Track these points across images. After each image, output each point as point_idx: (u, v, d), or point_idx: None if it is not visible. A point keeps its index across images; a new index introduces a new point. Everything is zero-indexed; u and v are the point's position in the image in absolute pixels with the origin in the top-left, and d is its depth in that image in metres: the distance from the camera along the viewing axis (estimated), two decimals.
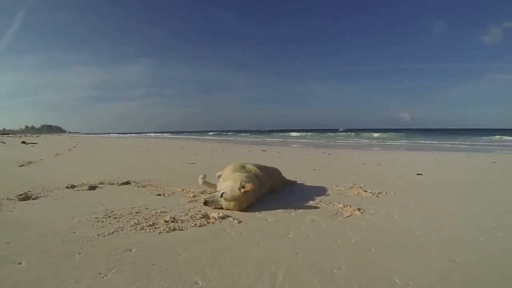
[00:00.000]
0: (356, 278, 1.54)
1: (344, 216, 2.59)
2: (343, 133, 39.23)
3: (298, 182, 4.25)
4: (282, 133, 43.96)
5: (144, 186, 3.81)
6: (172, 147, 14.47)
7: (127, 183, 4.00)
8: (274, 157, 8.77)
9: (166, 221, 2.31)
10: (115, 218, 2.42)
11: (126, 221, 2.34)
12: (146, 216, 2.45)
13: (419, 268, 1.67)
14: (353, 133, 37.40)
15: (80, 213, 2.55)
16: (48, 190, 3.46)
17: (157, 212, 2.58)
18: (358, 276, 1.56)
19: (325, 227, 2.32)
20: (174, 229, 2.18)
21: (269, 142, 20.95)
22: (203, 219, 2.41)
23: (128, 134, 64.13)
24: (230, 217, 2.50)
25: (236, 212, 2.66)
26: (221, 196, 2.70)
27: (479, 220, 2.57)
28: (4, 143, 15.36)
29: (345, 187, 3.91)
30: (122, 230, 2.15)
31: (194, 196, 3.23)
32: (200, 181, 3.47)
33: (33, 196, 3.14)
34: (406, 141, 22.52)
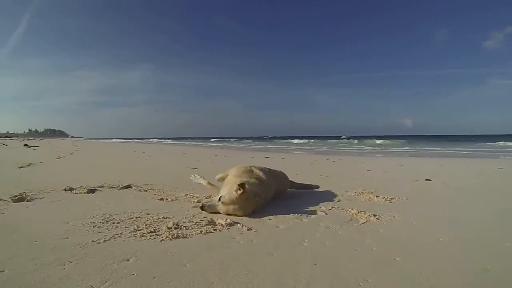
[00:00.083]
0: None
1: (360, 222, 2.44)
2: (346, 140, 39.05)
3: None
4: (285, 140, 43.77)
5: (146, 191, 3.62)
6: (174, 153, 14.30)
7: (128, 187, 3.81)
8: (279, 163, 8.55)
9: (169, 228, 2.11)
10: (113, 223, 2.22)
11: (125, 227, 2.13)
12: (147, 222, 2.25)
13: (451, 277, 1.53)
14: (356, 140, 37.16)
15: (76, 217, 2.36)
16: (44, 192, 3.28)
17: (159, 218, 2.38)
18: None
19: (342, 235, 2.16)
20: (178, 237, 1.97)
21: (272, 149, 20.73)
22: (209, 226, 2.20)
23: (131, 140, 64.22)
24: (238, 224, 2.29)
25: (245, 219, 2.46)
26: (219, 200, 2.54)
27: (501, 225, 2.47)
28: (6, 145, 15.30)
29: (355, 192, 3.74)
30: (120, 236, 1.94)
31: (198, 201, 3.02)
32: (203, 182, 3.55)
33: (28, 198, 2.96)
34: (409, 147, 22.34)
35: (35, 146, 15.25)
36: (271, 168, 3.51)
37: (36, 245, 1.76)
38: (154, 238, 1.94)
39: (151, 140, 61.67)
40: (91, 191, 3.46)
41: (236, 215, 2.50)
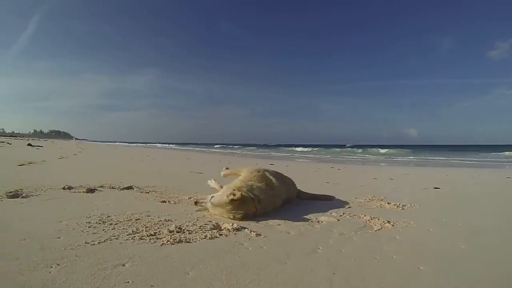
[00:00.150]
0: None
1: (374, 229, 2.32)
2: (350, 149, 38.67)
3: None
4: (288, 148, 43.39)
5: (148, 192, 3.45)
6: (179, 157, 14.16)
7: (130, 188, 3.65)
8: (283, 170, 8.26)
9: (171, 231, 1.93)
10: (111, 224, 2.05)
11: (123, 229, 1.96)
12: (147, 224, 2.08)
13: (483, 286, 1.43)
14: (360, 149, 36.75)
15: (71, 216, 2.19)
16: (41, 190, 3.14)
17: (160, 220, 2.20)
18: None
19: (357, 242, 2.00)
20: (180, 241, 1.79)
21: (276, 157, 20.51)
22: (215, 230, 2.01)
23: (135, 144, 64.33)
24: (246, 229, 2.11)
25: (252, 224, 2.28)
26: (210, 199, 2.48)
27: None
28: (10, 144, 15.29)
29: (365, 199, 3.57)
30: (116, 238, 1.76)
31: (195, 198, 2.85)
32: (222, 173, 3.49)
33: (23, 195, 2.81)
34: (414, 157, 22.11)
35: (39, 146, 15.22)
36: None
37: (23, 244, 1.59)
38: (154, 241, 1.76)
39: (155, 144, 61.68)
40: (91, 190, 3.30)
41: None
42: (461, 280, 1.47)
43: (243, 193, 2.39)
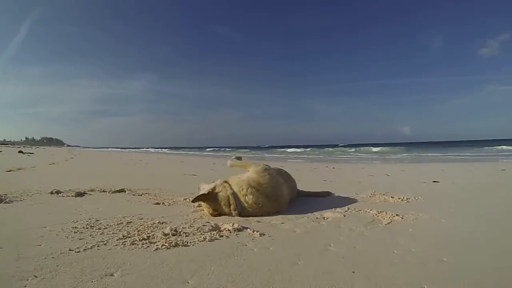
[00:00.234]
0: None
1: (384, 223, 2.20)
2: (343, 148, 38.62)
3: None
4: (281, 149, 43.15)
5: (141, 195, 3.26)
6: (172, 161, 13.91)
7: (122, 191, 3.45)
8: None
9: (166, 234, 1.75)
10: (99, 228, 1.86)
11: (113, 233, 1.78)
12: (140, 228, 1.89)
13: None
14: (353, 148, 36.65)
15: (56, 221, 2.00)
16: (27, 195, 2.94)
17: (154, 223, 2.02)
18: None
19: (370, 237, 1.88)
20: (177, 245, 1.61)
21: (269, 158, 20.35)
22: (214, 232, 1.84)
23: (128, 149, 63.55)
24: (248, 229, 1.94)
25: (254, 223, 2.13)
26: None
27: None
28: (0, 151, 14.88)
29: (367, 195, 3.44)
30: (105, 244, 1.58)
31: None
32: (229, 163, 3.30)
33: (7, 200, 2.62)
34: (408, 154, 22.13)
35: (30, 153, 14.83)
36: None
37: None
38: (148, 246, 1.58)
39: (148, 149, 61.02)
40: (80, 194, 3.10)
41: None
42: (487, 268, 1.39)
43: (210, 191, 2.41)
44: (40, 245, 1.53)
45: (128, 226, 1.93)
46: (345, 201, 3.02)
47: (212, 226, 1.95)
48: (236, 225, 1.95)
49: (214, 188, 2.46)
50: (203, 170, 7.88)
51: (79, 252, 1.46)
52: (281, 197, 2.57)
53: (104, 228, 1.87)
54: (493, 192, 3.79)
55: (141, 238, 1.68)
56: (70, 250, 1.47)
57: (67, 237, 1.68)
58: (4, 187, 3.22)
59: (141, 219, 2.14)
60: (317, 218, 2.32)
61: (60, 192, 3.12)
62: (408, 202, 3.00)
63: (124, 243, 1.61)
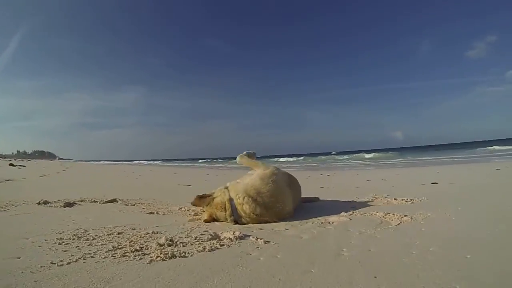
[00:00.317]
0: None
1: (393, 224, 2.10)
2: (336, 156, 38.52)
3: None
4: (274, 159, 42.86)
5: (134, 205, 3.10)
6: (165, 172, 13.67)
7: (114, 201, 3.28)
8: None
9: (161, 245, 1.59)
10: (87, 239, 1.70)
11: (102, 244, 1.61)
12: (132, 238, 1.73)
13: None
14: (346, 155, 36.50)
15: (41, 232, 1.83)
16: (13, 205, 2.77)
17: (147, 233, 1.86)
18: None
19: (382, 239, 1.77)
20: (173, 256, 1.45)
21: None
22: (214, 241, 1.69)
23: (120, 162, 62.74)
24: (250, 237, 1.79)
25: (256, 230, 1.99)
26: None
27: None
28: None
29: (368, 198, 3.33)
30: (92, 257, 1.41)
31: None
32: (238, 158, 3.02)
33: None
34: (401, 159, 22.12)
35: (21, 165, 14.48)
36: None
37: None
38: (141, 258, 1.42)
39: (140, 162, 60.33)
40: (69, 204, 2.92)
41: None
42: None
43: (208, 194, 2.38)
44: (18, 258, 1.37)
45: (119, 237, 1.77)
46: (348, 205, 2.90)
47: (211, 235, 1.80)
48: (237, 233, 1.80)
49: (213, 193, 2.37)
50: (197, 181, 7.72)
51: (62, 265, 1.29)
52: (283, 207, 2.38)
53: (93, 239, 1.70)
54: (494, 190, 3.73)
55: (133, 250, 1.52)
56: (52, 263, 1.30)
57: (50, 249, 1.52)
58: None
59: (134, 229, 1.98)
60: (322, 223, 2.20)
61: (48, 203, 2.95)
62: (412, 203, 2.92)
63: (114, 255, 1.45)
